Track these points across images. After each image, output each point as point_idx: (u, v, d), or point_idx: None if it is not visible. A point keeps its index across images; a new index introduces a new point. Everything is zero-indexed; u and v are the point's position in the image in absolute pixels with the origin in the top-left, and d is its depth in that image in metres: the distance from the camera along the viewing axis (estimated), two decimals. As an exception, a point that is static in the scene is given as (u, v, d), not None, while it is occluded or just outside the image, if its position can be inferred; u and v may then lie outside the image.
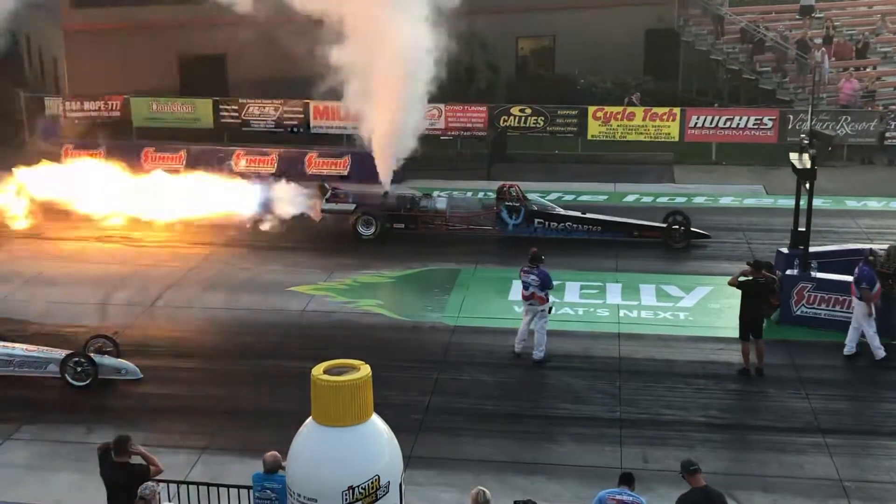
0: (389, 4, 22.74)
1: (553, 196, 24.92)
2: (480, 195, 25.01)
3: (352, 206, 23.43)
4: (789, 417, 15.36)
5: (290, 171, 27.21)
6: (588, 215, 23.36)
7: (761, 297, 16.64)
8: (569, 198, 26.04)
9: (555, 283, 20.10)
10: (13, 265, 21.80)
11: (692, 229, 22.60)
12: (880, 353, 16.77)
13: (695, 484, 10.75)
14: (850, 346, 17.06)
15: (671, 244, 22.54)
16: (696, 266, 21.50)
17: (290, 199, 23.46)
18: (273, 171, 28.15)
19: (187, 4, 25.53)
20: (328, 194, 23.63)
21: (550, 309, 16.93)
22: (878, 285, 16.73)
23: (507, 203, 23.08)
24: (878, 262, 17.14)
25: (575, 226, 23.01)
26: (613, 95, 32.84)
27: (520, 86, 34.34)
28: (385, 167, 24.50)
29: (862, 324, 16.82)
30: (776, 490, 13.35)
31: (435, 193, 24.55)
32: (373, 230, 23.19)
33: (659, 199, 26.42)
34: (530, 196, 23.54)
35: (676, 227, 22.64)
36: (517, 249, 22.03)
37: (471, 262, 21.80)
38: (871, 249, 17.58)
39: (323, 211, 23.55)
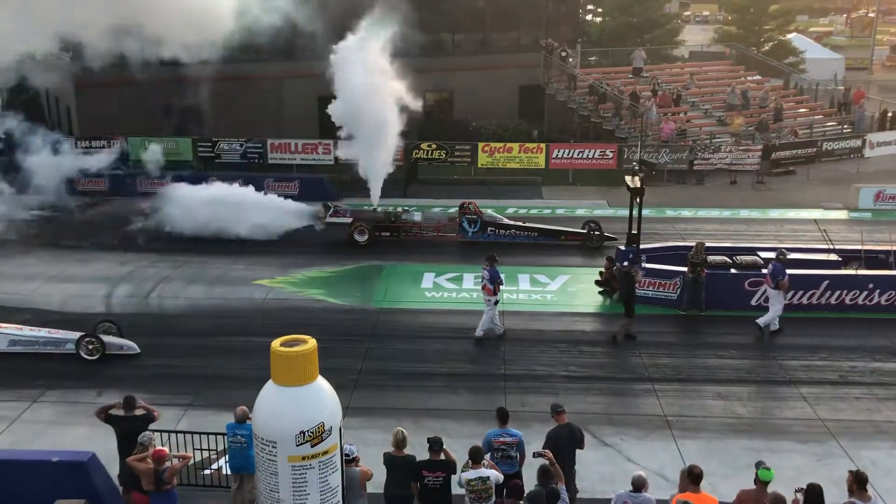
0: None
1: (452, 210, 24.89)
2: (450, 210, 24.50)
3: (349, 220, 23.06)
4: (627, 370, 15.62)
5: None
6: (527, 224, 23.35)
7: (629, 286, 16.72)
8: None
9: (454, 275, 20.29)
10: (37, 267, 21.08)
11: (605, 234, 22.54)
12: (775, 325, 16.77)
13: (560, 421, 10.83)
14: (774, 324, 16.94)
15: (589, 245, 22.38)
16: (559, 260, 21.68)
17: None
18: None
19: (171, 65, 25.00)
20: (331, 211, 23.24)
21: (497, 301, 16.74)
22: (786, 276, 16.80)
23: (467, 216, 22.93)
24: (781, 258, 17.03)
25: (518, 232, 22.93)
26: (497, 135, 32.97)
27: (427, 128, 34.30)
28: (375, 190, 24.10)
29: (774, 304, 16.80)
30: (619, 424, 13.57)
31: (412, 209, 24.19)
32: (366, 237, 22.84)
33: (557, 211, 26.42)
34: (485, 210, 23.45)
35: (594, 232, 22.62)
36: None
37: (392, 260, 21.70)
38: (780, 250, 17.58)
39: (327, 224, 23.16)
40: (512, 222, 23.38)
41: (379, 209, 23.92)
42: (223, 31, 22.95)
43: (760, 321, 16.90)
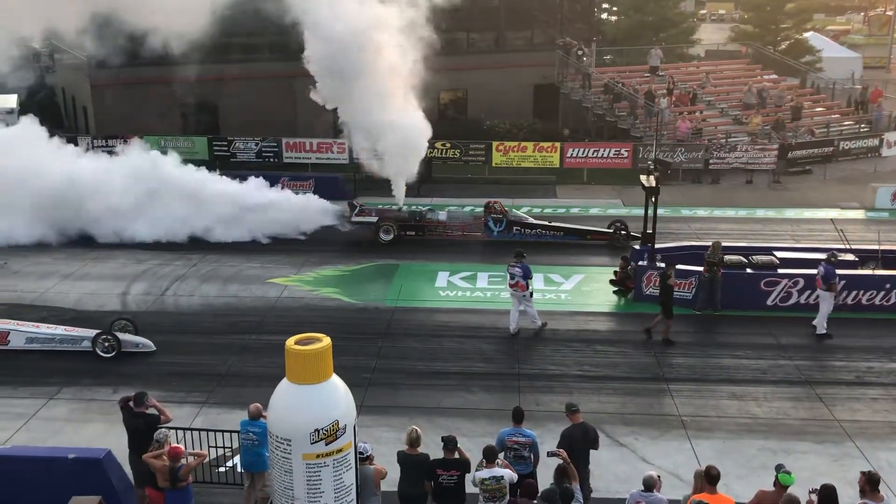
0: None
1: (467, 209, 24.90)
2: (467, 208, 24.55)
3: (375, 219, 23.00)
4: (641, 370, 15.57)
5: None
6: (553, 223, 23.20)
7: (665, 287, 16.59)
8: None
9: (468, 274, 20.28)
10: (52, 266, 21.20)
11: (631, 233, 22.27)
12: (823, 330, 16.64)
13: (574, 420, 10.81)
14: (820, 328, 16.82)
15: (616, 245, 22.12)
16: (573, 259, 21.60)
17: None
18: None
19: (186, 65, 25.23)
20: (356, 210, 23.24)
21: (531, 293, 16.75)
22: (837, 279, 16.73)
23: (492, 215, 22.83)
24: (833, 259, 16.95)
25: (543, 232, 22.77)
26: (511, 134, 32.94)
27: (441, 126, 34.29)
28: (399, 189, 24.04)
29: (822, 307, 16.68)
30: (633, 424, 13.54)
31: (437, 209, 24.07)
32: (391, 236, 22.78)
33: (572, 210, 26.23)
34: (510, 209, 23.35)
35: (620, 231, 22.45)
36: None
37: (406, 259, 21.70)
38: (832, 252, 17.49)
39: (352, 223, 23.13)
40: (538, 221, 23.23)
41: (404, 208, 23.88)
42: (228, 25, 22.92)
43: (819, 329, 16.68)
